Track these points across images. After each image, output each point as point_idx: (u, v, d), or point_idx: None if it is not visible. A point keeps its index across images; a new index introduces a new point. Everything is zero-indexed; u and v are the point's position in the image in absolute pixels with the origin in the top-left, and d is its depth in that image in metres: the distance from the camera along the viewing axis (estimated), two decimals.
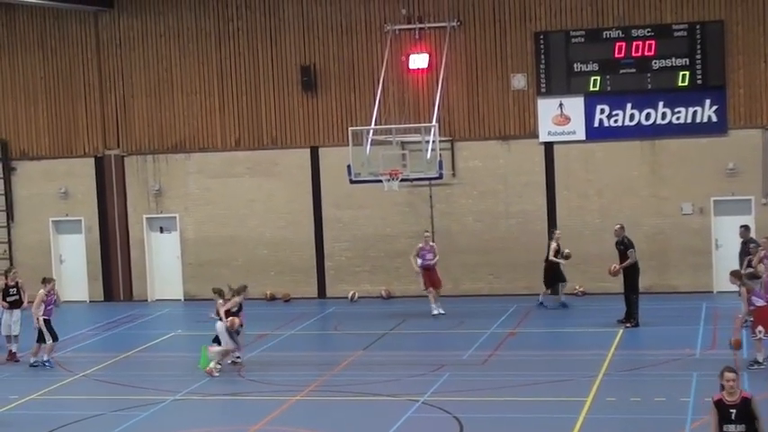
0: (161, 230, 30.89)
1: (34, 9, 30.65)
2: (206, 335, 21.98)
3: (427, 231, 27.38)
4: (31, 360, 22.22)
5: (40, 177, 31.25)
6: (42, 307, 21.98)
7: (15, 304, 23.29)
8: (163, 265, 30.72)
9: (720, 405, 11.93)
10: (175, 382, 20.43)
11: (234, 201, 30.18)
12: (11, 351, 23.00)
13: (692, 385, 18.32)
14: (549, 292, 26.75)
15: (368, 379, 20.17)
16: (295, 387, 19.64)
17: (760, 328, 19.21)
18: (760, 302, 19.43)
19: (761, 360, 19.27)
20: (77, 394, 20.15)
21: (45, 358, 22.09)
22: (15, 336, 23.07)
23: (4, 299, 23.31)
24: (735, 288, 20.34)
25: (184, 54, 30.05)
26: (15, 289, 23.40)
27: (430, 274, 26.33)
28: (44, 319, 21.98)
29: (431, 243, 26.70)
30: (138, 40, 30.33)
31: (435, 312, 26.04)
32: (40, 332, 21.96)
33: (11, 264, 29.62)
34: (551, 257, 26.33)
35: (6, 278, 23.68)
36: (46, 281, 22.58)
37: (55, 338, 22.11)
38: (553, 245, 26.40)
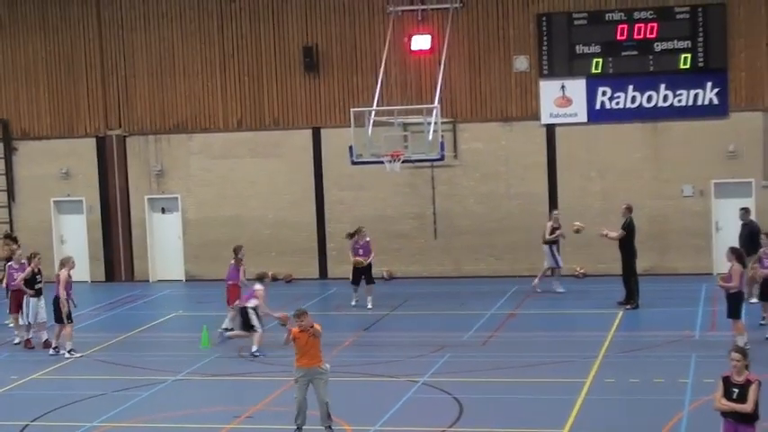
0: (162, 211, 30.92)
1: None
2: (207, 315, 21.99)
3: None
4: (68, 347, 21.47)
5: (42, 157, 31.24)
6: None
7: (41, 291, 22.35)
8: (164, 246, 30.77)
9: (726, 382, 12.17)
10: (176, 363, 20.50)
11: (236, 181, 30.19)
12: (28, 339, 22.40)
13: (690, 366, 18.35)
14: None
15: (368, 360, 20.25)
16: None
17: None
18: None
19: None
20: (79, 374, 20.20)
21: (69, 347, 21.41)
22: (42, 322, 22.34)
23: (32, 286, 22.25)
24: None
25: (186, 34, 30.02)
26: (40, 276, 22.53)
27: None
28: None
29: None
30: (139, 20, 30.29)
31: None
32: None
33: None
34: None
35: (31, 263, 22.91)
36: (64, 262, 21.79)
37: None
38: None
